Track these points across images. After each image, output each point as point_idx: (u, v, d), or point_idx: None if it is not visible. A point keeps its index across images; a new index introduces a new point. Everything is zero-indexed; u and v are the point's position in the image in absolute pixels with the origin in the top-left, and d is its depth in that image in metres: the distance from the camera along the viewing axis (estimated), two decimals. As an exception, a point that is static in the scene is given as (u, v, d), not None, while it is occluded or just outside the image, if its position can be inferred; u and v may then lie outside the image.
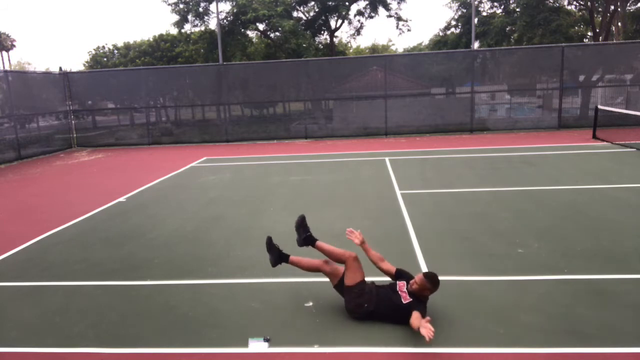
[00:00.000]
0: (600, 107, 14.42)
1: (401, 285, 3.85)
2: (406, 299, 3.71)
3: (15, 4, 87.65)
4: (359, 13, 26.14)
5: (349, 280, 3.86)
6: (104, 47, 30.32)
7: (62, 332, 3.85)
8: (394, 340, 3.50)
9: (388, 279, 4.12)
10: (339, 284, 3.94)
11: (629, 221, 6.07)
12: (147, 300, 4.38)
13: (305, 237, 4.19)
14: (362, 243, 4.14)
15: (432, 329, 3.20)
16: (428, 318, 3.38)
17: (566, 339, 3.43)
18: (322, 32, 27.06)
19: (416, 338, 3.51)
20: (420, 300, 3.71)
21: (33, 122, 17.48)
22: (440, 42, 28.28)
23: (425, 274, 3.76)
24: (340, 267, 4.00)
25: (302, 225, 4.23)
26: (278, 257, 4.21)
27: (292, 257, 4.22)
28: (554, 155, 11.36)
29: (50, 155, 16.14)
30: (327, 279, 4.13)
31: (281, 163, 12.13)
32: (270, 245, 4.25)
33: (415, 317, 3.49)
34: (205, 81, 18.46)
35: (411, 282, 3.79)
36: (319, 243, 4.15)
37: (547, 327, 3.59)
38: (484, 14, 26.01)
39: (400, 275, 3.99)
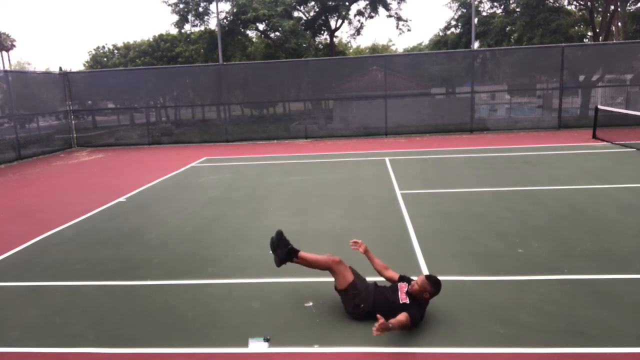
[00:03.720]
0: (600, 107, 14.42)
1: (402, 286, 3.84)
2: (403, 299, 3.70)
3: (15, 4, 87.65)
4: (359, 13, 26.13)
5: (340, 285, 3.85)
6: (104, 47, 30.41)
7: (62, 332, 3.85)
8: (394, 340, 3.49)
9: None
10: (341, 289, 3.88)
11: (629, 221, 6.07)
12: (147, 300, 4.38)
13: (288, 251, 3.98)
14: (366, 252, 4.16)
15: (382, 329, 3.17)
16: (401, 320, 3.41)
17: (566, 339, 3.43)
18: (322, 32, 27.05)
19: (416, 338, 3.51)
20: (419, 303, 3.69)
21: (33, 122, 17.46)
22: (440, 42, 28.26)
23: (427, 276, 3.76)
24: (348, 272, 3.90)
25: (280, 241, 3.97)
26: (287, 253, 4.00)
27: (301, 253, 4.04)
28: (554, 155, 11.36)
29: (50, 155, 16.13)
30: (327, 279, 4.12)
31: (281, 163, 12.13)
32: (280, 239, 4.00)
33: (398, 317, 3.46)
34: (205, 81, 18.46)
35: (412, 282, 3.79)
36: (301, 254, 3.98)
37: (547, 327, 3.59)
38: (484, 14, 25.99)
39: (402, 279, 3.98)
